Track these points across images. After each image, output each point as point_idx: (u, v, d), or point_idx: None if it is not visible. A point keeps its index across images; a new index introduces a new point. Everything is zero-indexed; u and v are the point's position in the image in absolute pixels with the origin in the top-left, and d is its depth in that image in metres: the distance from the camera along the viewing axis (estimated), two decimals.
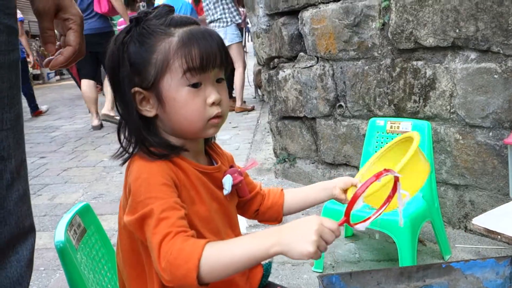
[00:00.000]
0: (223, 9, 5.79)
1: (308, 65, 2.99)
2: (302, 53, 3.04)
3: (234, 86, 6.10)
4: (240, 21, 6.08)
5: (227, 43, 5.81)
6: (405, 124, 2.24)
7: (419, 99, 2.45)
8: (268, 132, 4.53)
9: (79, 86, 6.11)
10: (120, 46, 0.96)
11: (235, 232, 1.12)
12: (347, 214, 0.92)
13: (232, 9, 5.84)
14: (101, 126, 5.85)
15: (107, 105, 5.54)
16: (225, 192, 1.06)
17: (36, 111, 7.24)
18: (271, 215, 1.23)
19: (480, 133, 2.25)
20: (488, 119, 2.20)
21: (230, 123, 5.69)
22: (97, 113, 5.77)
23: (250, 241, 0.86)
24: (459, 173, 2.38)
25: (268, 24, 3.28)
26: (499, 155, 2.19)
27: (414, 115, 2.48)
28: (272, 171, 3.57)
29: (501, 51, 2.09)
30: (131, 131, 0.99)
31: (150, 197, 0.90)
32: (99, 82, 6.61)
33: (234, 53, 5.79)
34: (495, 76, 2.13)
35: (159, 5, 1.01)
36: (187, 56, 0.92)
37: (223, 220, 1.09)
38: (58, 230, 1.12)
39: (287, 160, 3.39)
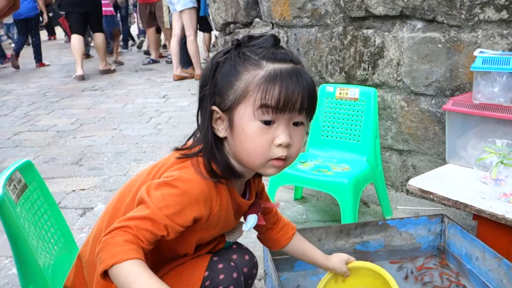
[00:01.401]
0: None
1: (264, 31, 3.00)
2: (257, 19, 3.05)
3: (190, 54, 6.04)
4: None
5: (179, 8, 5.71)
6: (353, 91, 2.31)
7: (368, 67, 2.51)
8: None
9: (69, 38, 7.45)
10: (214, 64, 0.97)
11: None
12: None
13: None
14: (83, 78, 6.60)
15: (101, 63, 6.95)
16: (245, 228, 1.15)
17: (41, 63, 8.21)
18: (269, 244, 1.36)
19: (423, 101, 2.35)
20: (431, 87, 2.29)
21: (189, 90, 5.67)
22: (81, 65, 6.61)
23: None
24: (403, 139, 2.48)
25: None
26: (440, 121, 2.29)
27: (363, 82, 2.55)
28: None
29: (445, 21, 2.16)
30: (202, 142, 1.01)
31: (164, 198, 0.93)
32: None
33: (185, 19, 5.74)
34: (439, 46, 2.21)
35: (266, 33, 1.01)
36: (265, 93, 0.91)
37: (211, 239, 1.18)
38: None
39: None
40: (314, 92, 0.96)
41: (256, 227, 1.27)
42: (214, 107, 0.98)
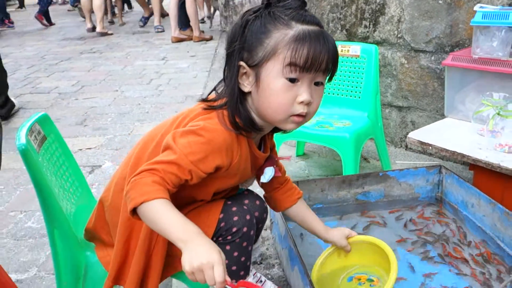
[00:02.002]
0: None
1: None
2: None
3: (189, 16, 6.01)
4: None
5: None
6: (355, 48, 2.34)
7: (369, 24, 2.54)
8: (219, 63, 4.56)
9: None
10: (244, 21, 1.01)
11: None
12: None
13: None
14: (93, 29, 7.25)
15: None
16: (263, 180, 1.22)
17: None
18: (273, 204, 1.40)
19: (423, 57, 2.39)
20: (431, 43, 2.33)
21: (188, 52, 5.66)
22: (90, 19, 7.31)
23: (177, 224, 0.91)
24: (403, 96, 2.53)
25: None
26: (439, 78, 2.34)
27: (364, 40, 2.59)
28: None
29: None
30: (228, 96, 1.06)
31: (190, 144, 1.00)
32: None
33: None
34: (440, 2, 2.24)
35: None
36: (294, 51, 0.96)
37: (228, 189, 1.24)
38: (20, 134, 1.17)
39: None
40: (337, 54, 1.02)
41: (264, 185, 1.35)
42: (242, 63, 1.02)
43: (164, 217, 0.91)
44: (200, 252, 0.86)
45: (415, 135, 1.85)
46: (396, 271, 1.25)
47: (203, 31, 6.39)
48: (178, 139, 1.01)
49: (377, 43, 2.52)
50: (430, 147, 1.78)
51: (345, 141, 2.02)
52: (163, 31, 7.07)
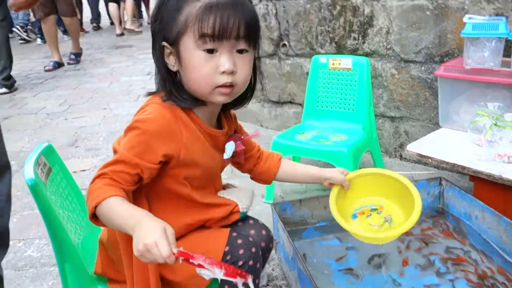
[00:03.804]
0: None
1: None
2: None
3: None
4: None
5: None
6: (346, 61, 2.37)
7: (358, 36, 2.57)
8: None
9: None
10: (160, 2, 1.03)
11: (216, 188, 1.26)
12: (186, 257, 0.89)
13: None
14: (122, 34, 8.32)
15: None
16: (225, 156, 1.17)
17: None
18: (263, 178, 1.37)
19: (413, 68, 2.42)
20: (421, 54, 2.37)
21: None
22: (119, 25, 8.33)
23: (126, 215, 0.93)
24: (395, 106, 2.56)
25: None
26: (431, 87, 2.38)
27: (354, 52, 2.62)
28: None
29: None
30: (159, 78, 1.08)
31: (130, 141, 1.02)
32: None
33: None
34: (427, 13, 2.28)
35: None
36: (202, 22, 0.97)
37: (211, 178, 1.22)
38: (27, 168, 1.17)
39: None
40: (252, 20, 1.01)
41: (244, 167, 1.33)
42: (164, 43, 1.04)
43: (115, 211, 0.94)
44: (143, 234, 0.86)
45: (414, 147, 1.87)
46: (411, 186, 1.26)
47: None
48: (121, 140, 1.05)
49: (367, 54, 2.55)
50: (430, 159, 1.80)
51: (343, 156, 2.03)
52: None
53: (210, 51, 0.99)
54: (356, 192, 1.37)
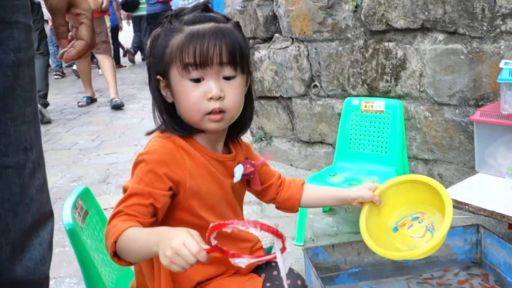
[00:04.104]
0: None
1: (284, 46, 3.07)
2: (277, 34, 3.12)
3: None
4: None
5: None
6: (379, 103, 2.36)
7: (391, 78, 2.57)
8: None
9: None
10: (153, 36, 1.08)
11: (238, 214, 1.22)
12: (209, 242, 0.88)
13: None
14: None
15: None
16: (235, 180, 1.15)
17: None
18: (287, 206, 1.33)
19: (447, 111, 2.40)
20: (455, 97, 2.34)
21: None
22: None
23: (147, 236, 0.92)
24: (428, 149, 2.52)
25: (242, 6, 3.33)
26: (465, 130, 2.34)
27: (386, 94, 2.61)
28: None
29: (467, 33, 2.22)
30: (157, 111, 1.12)
31: (137, 175, 1.03)
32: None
33: None
34: (461, 57, 2.27)
35: (199, 2, 1.09)
36: (183, 52, 1.01)
37: (227, 207, 1.19)
38: (65, 212, 1.19)
39: (263, 138, 3.48)
40: (236, 45, 1.02)
41: (267, 197, 1.30)
42: (158, 76, 1.07)
43: (135, 239, 0.92)
44: (167, 243, 0.84)
45: (450, 193, 1.82)
46: (445, 192, 1.18)
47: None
48: (130, 179, 1.06)
49: (399, 97, 2.54)
50: (467, 206, 1.75)
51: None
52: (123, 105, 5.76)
53: (196, 80, 1.02)
54: (392, 205, 1.28)
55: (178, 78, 1.03)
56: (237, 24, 1.09)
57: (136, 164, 1.06)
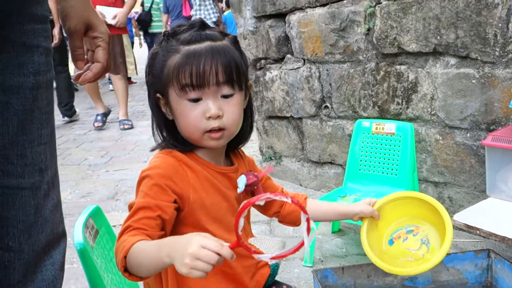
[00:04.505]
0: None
1: (295, 67, 3.09)
2: (289, 55, 3.14)
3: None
4: (215, 19, 6.43)
5: None
6: (390, 126, 2.36)
7: (402, 101, 2.57)
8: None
9: None
10: (151, 56, 1.09)
11: (247, 230, 1.21)
12: (236, 231, 0.88)
13: (209, 7, 6.19)
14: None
15: None
16: (239, 190, 1.15)
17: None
18: (291, 219, 1.32)
19: (458, 134, 2.39)
20: (466, 121, 2.34)
21: None
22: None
23: (156, 248, 0.90)
24: (439, 171, 2.51)
25: (255, 26, 3.36)
26: (476, 154, 2.33)
27: (397, 116, 2.61)
28: None
29: (479, 58, 2.22)
30: (157, 128, 1.13)
31: (142, 191, 1.03)
32: None
33: None
34: (473, 81, 2.27)
35: (195, 19, 1.10)
36: (180, 73, 1.01)
37: (229, 220, 1.15)
38: (76, 232, 1.18)
39: (273, 158, 3.48)
40: (232, 64, 1.03)
41: (270, 211, 1.30)
42: (158, 94, 1.08)
43: (145, 251, 0.91)
44: (183, 250, 0.82)
45: (461, 218, 1.81)
46: (441, 207, 1.22)
47: None
48: (138, 189, 1.05)
49: (410, 119, 2.54)
50: (478, 231, 1.74)
51: None
52: (132, 127, 5.60)
53: (195, 100, 1.03)
54: (388, 219, 1.33)
55: (176, 98, 1.04)
56: (234, 40, 1.09)
57: (140, 181, 1.06)
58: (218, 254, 0.82)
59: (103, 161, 4.28)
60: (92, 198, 3.29)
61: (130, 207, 1.04)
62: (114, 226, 2.85)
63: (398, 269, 1.23)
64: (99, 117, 5.74)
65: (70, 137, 5.28)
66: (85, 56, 1.03)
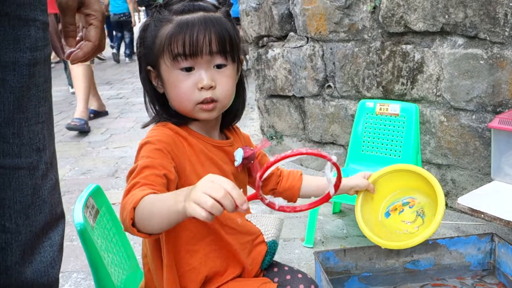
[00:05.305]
0: None
1: (298, 45, 3.03)
2: (292, 33, 3.08)
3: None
4: None
5: None
6: (394, 106, 2.32)
7: (407, 81, 2.53)
8: (252, 108, 4.58)
9: None
10: (143, 27, 1.08)
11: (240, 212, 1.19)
12: (257, 188, 0.88)
13: None
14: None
15: None
16: (236, 163, 1.14)
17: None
18: (287, 196, 1.31)
19: (464, 116, 2.35)
20: (472, 102, 2.30)
21: None
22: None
23: (172, 196, 0.86)
24: (442, 153, 2.48)
25: (258, 3, 3.29)
26: (481, 137, 2.30)
27: (401, 97, 2.57)
28: None
29: (488, 38, 2.17)
30: (149, 102, 1.11)
31: (143, 156, 1.01)
32: None
33: None
34: (481, 62, 2.22)
35: None
36: (173, 42, 1.00)
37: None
38: (76, 212, 1.16)
39: (274, 137, 3.45)
40: (225, 34, 1.02)
41: (267, 187, 1.29)
42: (148, 67, 1.07)
43: (158, 200, 0.86)
44: (203, 192, 0.78)
45: (465, 201, 1.79)
46: (434, 180, 1.26)
47: None
48: (137, 158, 1.03)
49: (415, 100, 2.50)
50: (482, 215, 1.72)
51: None
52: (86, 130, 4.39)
53: (188, 69, 1.01)
54: (384, 191, 1.35)
55: (168, 69, 1.03)
56: (226, 13, 1.08)
57: (140, 148, 1.03)
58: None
59: (103, 138, 4.25)
60: (91, 175, 3.27)
61: (131, 173, 0.99)
62: (114, 204, 2.84)
63: (388, 243, 1.29)
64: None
65: (69, 113, 5.24)
66: (80, 34, 0.98)
